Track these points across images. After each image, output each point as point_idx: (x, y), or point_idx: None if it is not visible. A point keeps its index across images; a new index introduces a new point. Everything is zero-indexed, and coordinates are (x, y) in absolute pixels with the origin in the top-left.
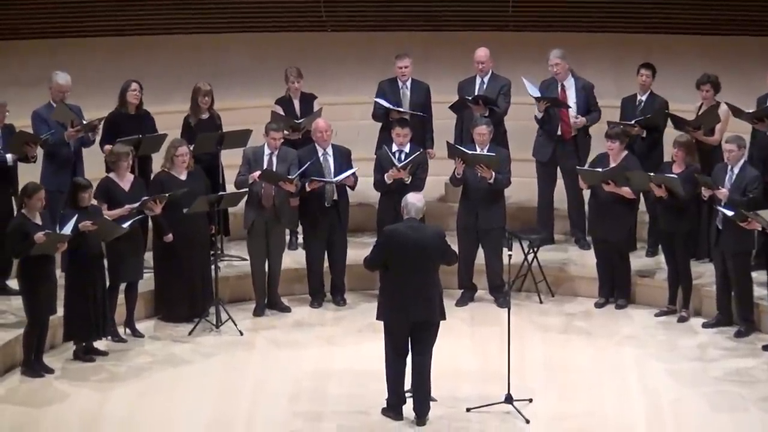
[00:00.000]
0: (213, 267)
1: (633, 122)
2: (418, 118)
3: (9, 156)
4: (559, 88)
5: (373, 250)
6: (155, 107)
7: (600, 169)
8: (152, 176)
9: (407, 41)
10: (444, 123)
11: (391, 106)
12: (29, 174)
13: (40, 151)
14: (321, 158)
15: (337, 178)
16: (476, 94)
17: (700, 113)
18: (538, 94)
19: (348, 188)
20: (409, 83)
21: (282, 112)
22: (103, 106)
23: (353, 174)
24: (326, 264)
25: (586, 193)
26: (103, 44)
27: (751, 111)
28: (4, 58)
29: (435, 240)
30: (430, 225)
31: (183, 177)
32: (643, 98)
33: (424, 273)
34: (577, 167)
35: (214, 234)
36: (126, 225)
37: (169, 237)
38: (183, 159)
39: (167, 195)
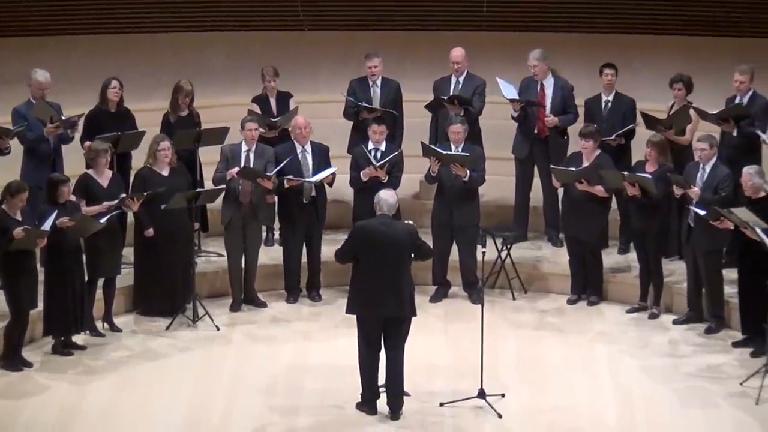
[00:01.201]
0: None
1: (614, 137)
2: (389, 115)
3: None
4: (538, 87)
5: (345, 243)
6: (135, 105)
7: (573, 168)
8: (133, 172)
9: (383, 41)
10: (420, 121)
11: (361, 103)
12: (9, 169)
13: (15, 146)
14: (300, 155)
15: (315, 178)
16: (451, 93)
17: (672, 113)
18: (512, 95)
19: (326, 185)
20: (379, 82)
21: (258, 110)
22: (84, 103)
23: (332, 174)
24: (303, 260)
25: (561, 191)
26: (84, 42)
27: (714, 112)
28: None
29: (405, 236)
30: (401, 222)
31: (165, 173)
32: (609, 98)
33: (395, 268)
34: (551, 166)
35: (197, 230)
36: (103, 221)
37: (150, 231)
38: (165, 154)
39: (145, 193)
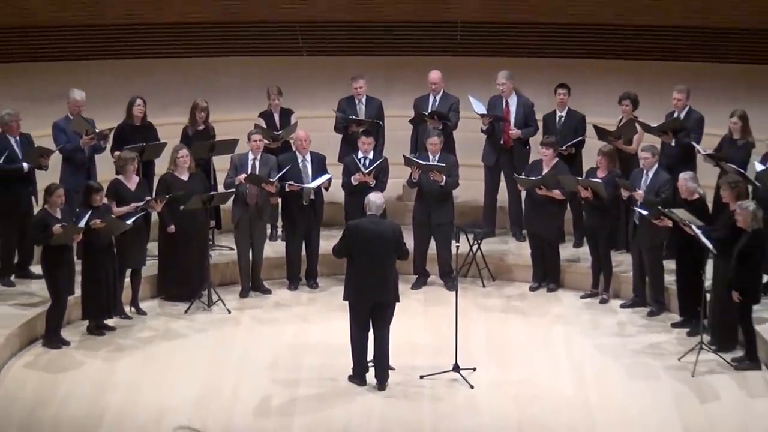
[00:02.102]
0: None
1: (564, 147)
2: (374, 126)
3: (25, 164)
4: (504, 104)
5: (339, 241)
6: (157, 119)
7: (533, 177)
8: (156, 178)
9: (370, 64)
10: (402, 134)
11: (350, 116)
12: (49, 176)
13: (54, 155)
14: (300, 164)
15: (313, 183)
16: (430, 110)
17: (620, 126)
18: (483, 111)
19: (323, 189)
20: (364, 100)
21: (264, 124)
22: (111, 118)
23: (328, 180)
24: (302, 253)
25: (524, 194)
26: (111, 66)
27: (656, 125)
28: (26, 77)
29: (391, 234)
30: (388, 221)
31: (185, 177)
32: (563, 114)
33: (382, 261)
34: (515, 175)
35: (212, 228)
36: (130, 221)
37: (171, 228)
38: (184, 160)
39: (167, 196)
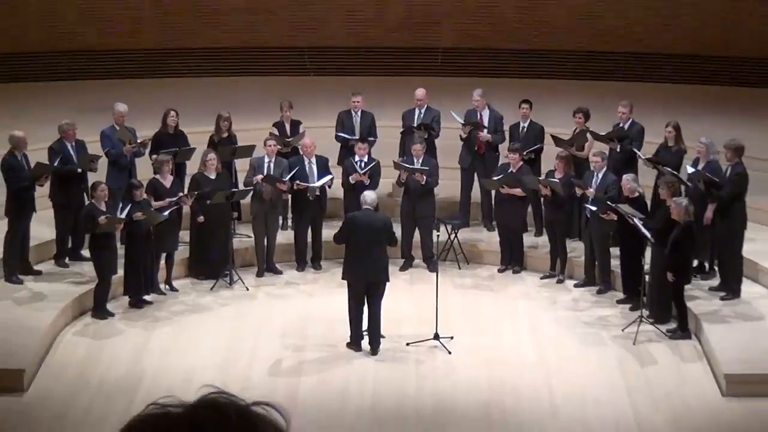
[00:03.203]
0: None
1: (524, 153)
2: (371, 142)
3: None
4: (478, 116)
5: (340, 230)
6: (188, 128)
7: (496, 178)
8: (188, 177)
9: (365, 83)
10: (392, 141)
11: (349, 137)
12: (98, 176)
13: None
14: (307, 166)
15: (318, 183)
16: (415, 121)
17: (574, 135)
18: (463, 121)
19: (327, 187)
20: (359, 113)
21: (277, 133)
22: (148, 127)
23: (330, 180)
24: (308, 240)
25: (494, 192)
26: (149, 84)
27: (604, 134)
28: (79, 93)
29: (383, 224)
30: (380, 214)
31: (213, 176)
32: (525, 125)
33: (375, 247)
34: (482, 179)
35: (234, 219)
36: (165, 213)
37: (201, 219)
38: (212, 162)
39: (195, 193)
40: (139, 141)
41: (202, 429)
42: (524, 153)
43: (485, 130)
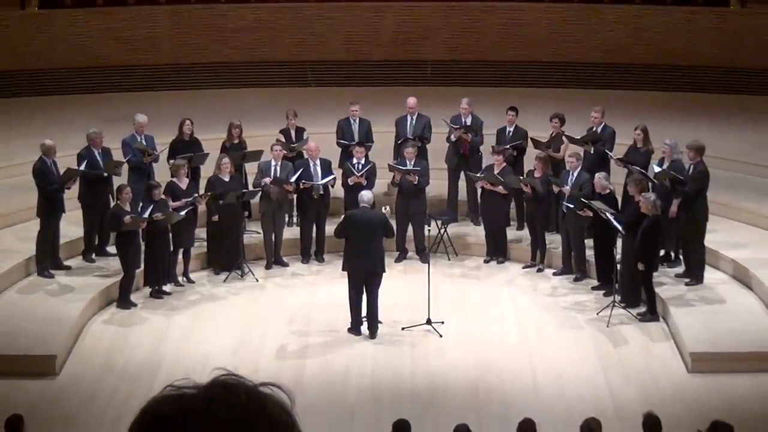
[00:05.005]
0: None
1: (509, 147)
2: (369, 147)
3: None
4: (462, 122)
5: (340, 225)
6: (201, 136)
7: (478, 174)
8: (202, 180)
9: (362, 93)
10: (387, 146)
11: (348, 143)
12: (122, 180)
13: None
14: (312, 167)
15: (321, 182)
16: (407, 127)
17: (551, 138)
18: (455, 126)
19: (330, 186)
20: (357, 120)
21: (283, 139)
22: (165, 134)
23: (333, 179)
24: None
25: (480, 190)
26: (166, 96)
27: (578, 137)
28: (102, 105)
29: (379, 220)
30: (376, 211)
31: (226, 179)
32: (511, 129)
33: (372, 240)
34: (467, 173)
35: (245, 217)
36: (182, 213)
37: (215, 217)
38: (226, 166)
39: (209, 194)
40: (156, 153)
41: (214, 408)
42: (508, 148)
43: (470, 135)
